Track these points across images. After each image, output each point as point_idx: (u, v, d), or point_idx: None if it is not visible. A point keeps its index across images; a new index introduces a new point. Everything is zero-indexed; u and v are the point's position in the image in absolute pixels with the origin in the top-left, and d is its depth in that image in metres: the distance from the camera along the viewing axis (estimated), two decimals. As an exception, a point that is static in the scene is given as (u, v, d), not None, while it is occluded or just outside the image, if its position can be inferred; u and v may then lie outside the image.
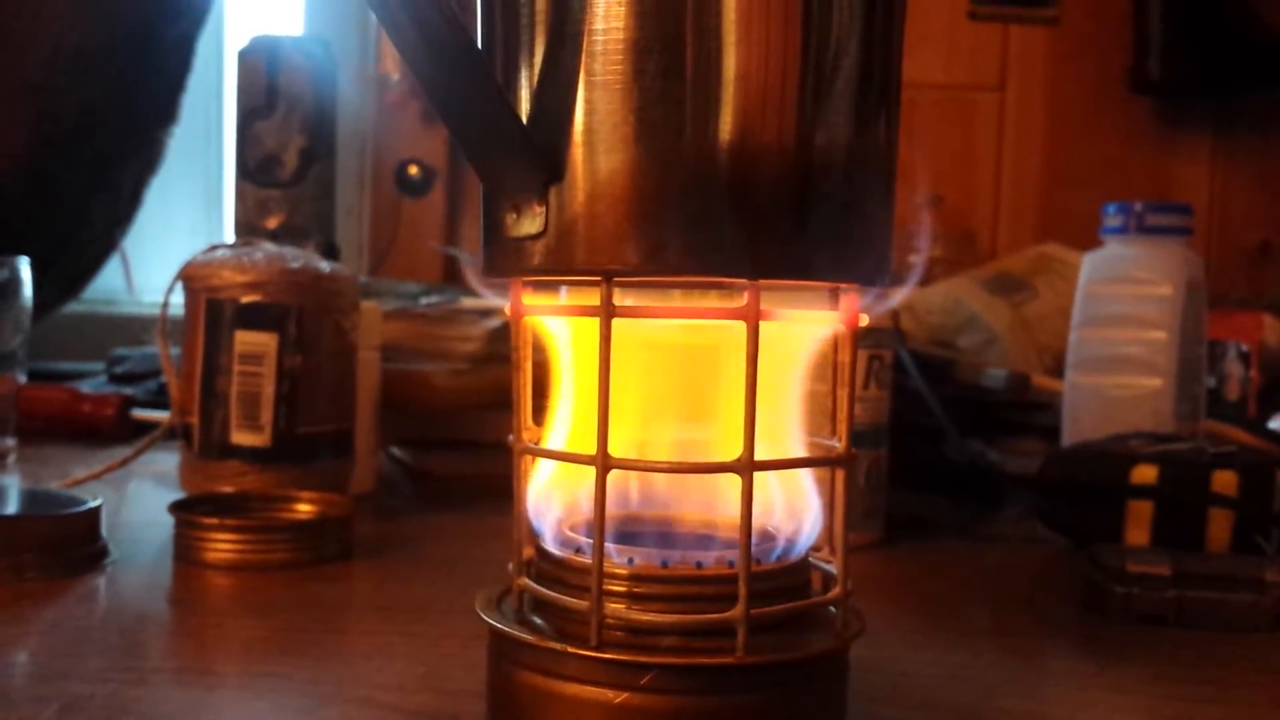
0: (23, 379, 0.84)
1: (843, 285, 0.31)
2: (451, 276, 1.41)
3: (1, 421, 0.81)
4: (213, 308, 0.63)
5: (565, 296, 0.34)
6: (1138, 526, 0.57)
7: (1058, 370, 0.88)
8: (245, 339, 0.63)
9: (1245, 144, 1.53)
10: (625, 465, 0.30)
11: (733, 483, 0.29)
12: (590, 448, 0.29)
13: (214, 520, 0.53)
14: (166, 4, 1.10)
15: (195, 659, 0.41)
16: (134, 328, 1.12)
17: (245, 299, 0.63)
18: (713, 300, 0.34)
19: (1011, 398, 0.89)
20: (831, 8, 0.29)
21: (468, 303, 0.85)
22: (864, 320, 0.32)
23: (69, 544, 0.51)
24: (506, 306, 0.33)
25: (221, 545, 0.52)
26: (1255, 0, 1.40)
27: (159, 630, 0.45)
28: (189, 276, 0.65)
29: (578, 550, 0.32)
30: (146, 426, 0.85)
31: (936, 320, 1.11)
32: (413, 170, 1.47)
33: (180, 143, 1.19)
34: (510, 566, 0.33)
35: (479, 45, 0.31)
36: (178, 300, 0.66)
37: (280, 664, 0.40)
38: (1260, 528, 0.56)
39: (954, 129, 1.52)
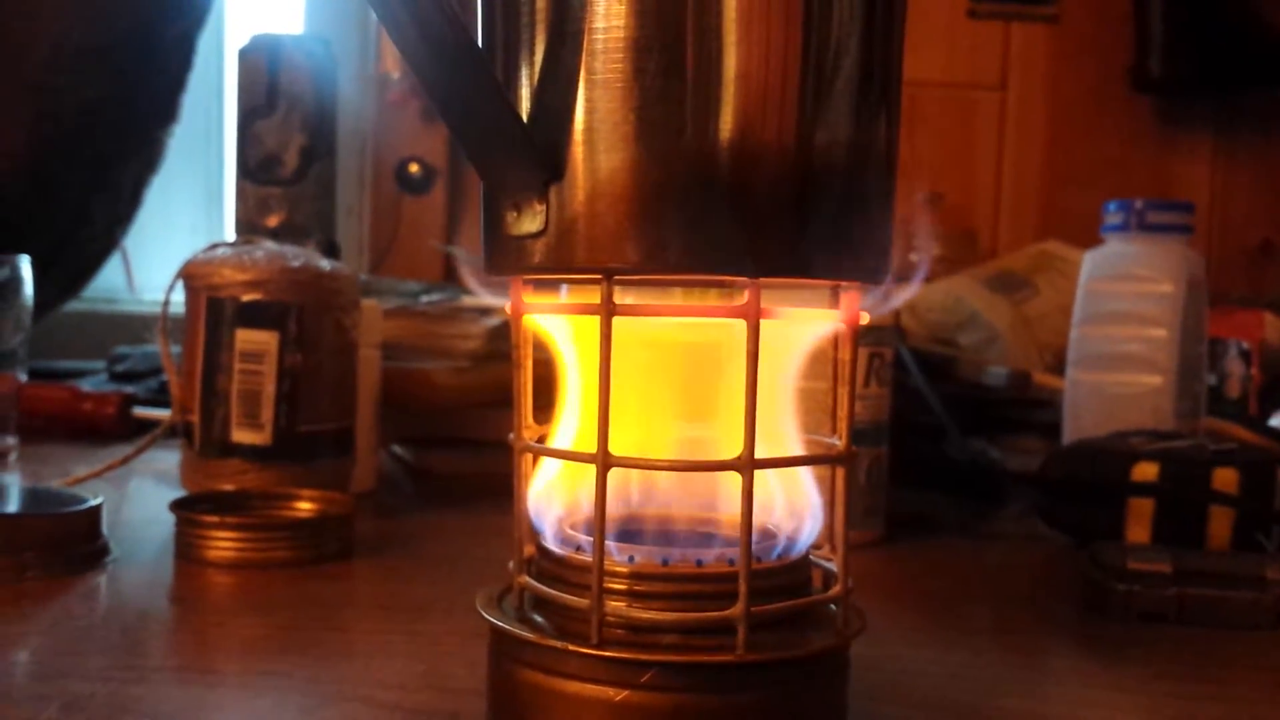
0: (24, 377, 0.84)
1: (843, 284, 0.31)
2: (452, 275, 1.41)
3: (2, 420, 0.81)
4: (213, 306, 0.63)
5: (566, 295, 0.34)
6: (1138, 524, 0.58)
7: (1059, 368, 0.88)
8: (246, 337, 0.63)
9: (1246, 143, 1.53)
10: (625, 463, 0.30)
11: (733, 481, 0.29)
12: (591, 446, 0.29)
13: (215, 518, 0.53)
14: (167, 3, 1.10)
15: (196, 657, 0.41)
16: (135, 326, 1.12)
17: (246, 297, 0.63)
18: (713, 299, 0.34)
19: (1012, 395, 0.89)
20: (832, 7, 0.29)
21: (468, 301, 0.85)
22: (864, 318, 0.32)
23: (70, 542, 0.51)
24: (507, 305, 0.33)
25: (222, 543, 0.53)
26: (1256, -2, 1.40)
27: (160, 628, 0.45)
28: (190, 275, 0.65)
29: (578, 548, 0.32)
30: (147, 425, 0.85)
31: (937, 318, 1.11)
32: (413, 168, 1.47)
33: (181, 141, 1.19)
34: (511, 565, 0.33)
35: (479, 44, 0.31)
36: (178, 299, 0.66)
37: (281, 662, 0.40)
38: (1261, 525, 0.56)
39: (955, 127, 1.51)
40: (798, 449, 0.33)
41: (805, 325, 0.33)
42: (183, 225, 1.51)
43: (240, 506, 0.58)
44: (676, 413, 0.33)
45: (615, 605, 0.30)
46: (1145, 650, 0.45)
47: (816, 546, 0.34)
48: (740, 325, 0.29)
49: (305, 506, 0.59)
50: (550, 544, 0.32)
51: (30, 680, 0.38)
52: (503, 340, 0.80)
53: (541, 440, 0.33)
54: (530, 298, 0.32)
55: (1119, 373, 0.75)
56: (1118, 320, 0.75)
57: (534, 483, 0.33)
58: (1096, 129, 1.52)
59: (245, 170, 0.87)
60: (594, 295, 0.29)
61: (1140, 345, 0.74)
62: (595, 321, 0.29)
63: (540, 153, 0.29)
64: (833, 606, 0.33)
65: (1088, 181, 1.46)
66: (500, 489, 0.35)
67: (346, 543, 0.56)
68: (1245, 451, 0.59)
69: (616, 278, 0.29)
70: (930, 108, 1.49)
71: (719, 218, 0.28)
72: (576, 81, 0.28)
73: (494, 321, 0.81)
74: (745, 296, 0.29)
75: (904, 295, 0.33)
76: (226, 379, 0.63)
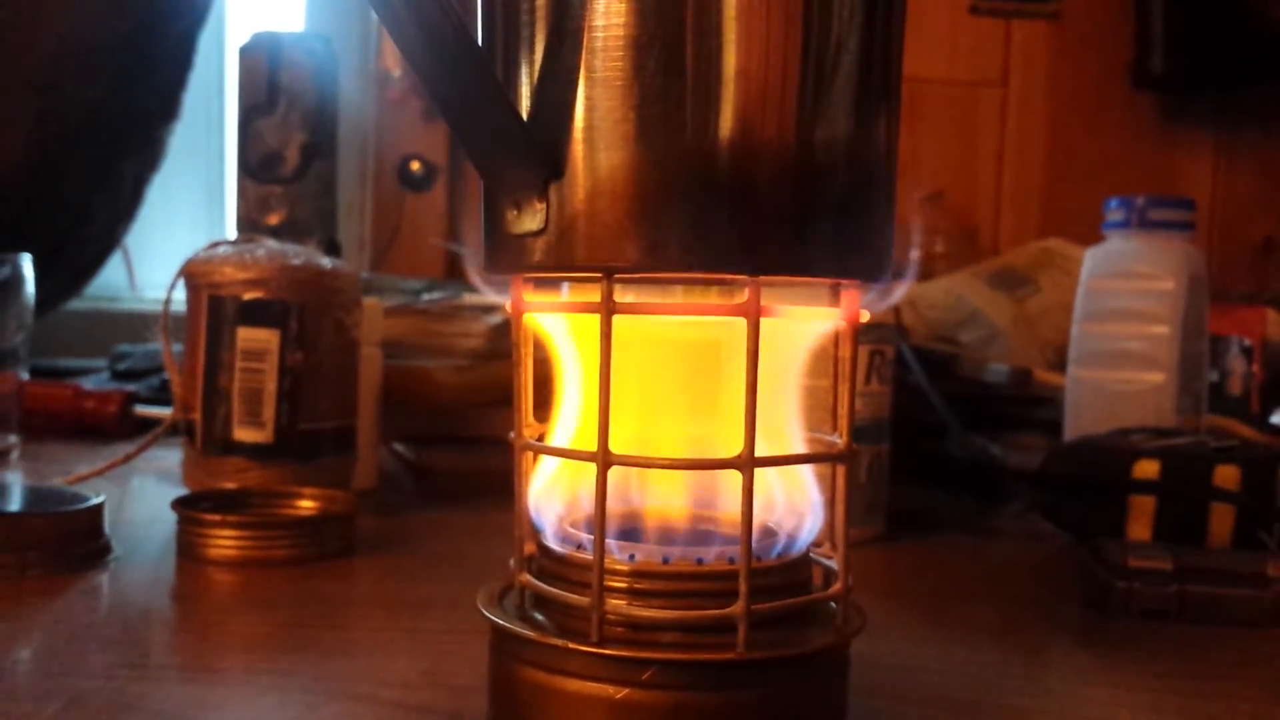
0: (25, 376, 0.84)
1: (843, 281, 0.31)
2: (453, 272, 1.41)
3: (4, 418, 0.81)
4: (215, 304, 0.63)
5: (566, 293, 0.34)
6: (1139, 521, 0.58)
7: (1060, 365, 0.88)
8: (247, 335, 0.63)
9: (1248, 139, 1.53)
10: (626, 462, 0.30)
11: (733, 479, 0.29)
12: (591, 444, 0.29)
13: (216, 517, 0.53)
14: (168, 2, 1.10)
15: (198, 655, 0.41)
16: (136, 324, 1.12)
17: (247, 295, 0.63)
18: (713, 297, 0.34)
19: (1013, 393, 0.89)
20: (832, 4, 0.29)
21: (469, 299, 0.85)
22: (864, 316, 0.32)
23: (72, 540, 0.51)
24: (507, 303, 0.33)
25: (224, 541, 0.53)
26: (1257, -5, 1.39)
27: (162, 626, 0.45)
28: (191, 273, 0.65)
29: (579, 546, 0.32)
30: (149, 423, 0.85)
31: (938, 315, 1.11)
32: (414, 166, 1.47)
33: (182, 140, 1.19)
34: (512, 563, 0.33)
35: (480, 42, 0.31)
36: (180, 297, 0.66)
37: (283, 660, 0.40)
38: (1262, 522, 0.56)
39: (956, 125, 1.51)
40: (798, 447, 0.33)
41: (805, 323, 0.33)
42: (184, 223, 1.51)
43: (242, 505, 0.58)
44: (677, 411, 0.33)
45: (616, 603, 0.30)
46: (1146, 647, 0.45)
47: (817, 544, 0.34)
48: (740, 323, 0.29)
49: (307, 505, 0.59)
50: (551, 542, 0.32)
51: (33, 678, 0.38)
52: (504, 338, 0.80)
53: (542, 438, 0.33)
54: (531, 296, 0.32)
55: (1120, 370, 0.75)
56: (1119, 317, 0.75)
57: (535, 481, 0.33)
58: (1098, 126, 1.52)
59: (246, 168, 0.87)
60: (594, 293, 0.29)
61: (1141, 342, 0.74)
62: (595, 320, 0.29)
63: (540, 151, 0.29)
64: (833, 604, 0.33)
65: (1089, 178, 1.46)
66: (501, 487, 0.35)
67: (348, 541, 0.56)
68: (1246, 449, 0.59)
69: (617, 276, 0.29)
70: (931, 105, 1.49)
71: (719, 216, 0.28)
72: (576, 79, 0.28)
73: (495, 320, 0.81)
74: (745, 294, 0.29)
75: (899, 291, 0.33)
76: (228, 377, 0.63)
